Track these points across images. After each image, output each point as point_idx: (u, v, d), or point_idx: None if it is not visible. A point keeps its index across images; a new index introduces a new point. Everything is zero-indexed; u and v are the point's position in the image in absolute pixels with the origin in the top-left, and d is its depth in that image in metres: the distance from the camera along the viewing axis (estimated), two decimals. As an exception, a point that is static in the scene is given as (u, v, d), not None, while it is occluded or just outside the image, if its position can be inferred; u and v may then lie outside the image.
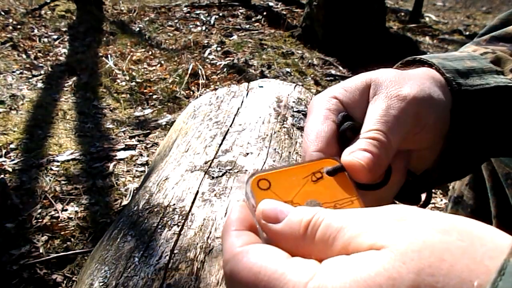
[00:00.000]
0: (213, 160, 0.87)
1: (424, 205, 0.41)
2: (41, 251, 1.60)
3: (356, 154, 0.34)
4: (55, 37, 4.39)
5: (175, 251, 0.62)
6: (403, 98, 0.35)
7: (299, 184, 0.34)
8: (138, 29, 4.79)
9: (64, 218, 1.79)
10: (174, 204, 0.74)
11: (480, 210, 0.72)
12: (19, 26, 4.51)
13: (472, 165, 0.44)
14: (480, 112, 0.40)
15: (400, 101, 0.35)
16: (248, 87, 1.30)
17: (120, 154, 2.39)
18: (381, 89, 0.37)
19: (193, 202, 0.73)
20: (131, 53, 3.95)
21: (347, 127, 0.36)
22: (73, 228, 1.74)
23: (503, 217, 0.67)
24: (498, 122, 0.41)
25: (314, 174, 0.34)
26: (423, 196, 0.44)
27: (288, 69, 3.79)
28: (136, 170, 2.24)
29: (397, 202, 0.41)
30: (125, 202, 1.94)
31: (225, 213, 0.71)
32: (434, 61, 0.40)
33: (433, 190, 0.46)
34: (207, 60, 3.88)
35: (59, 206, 1.87)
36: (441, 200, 2.08)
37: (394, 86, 0.36)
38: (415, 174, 0.40)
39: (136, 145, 2.53)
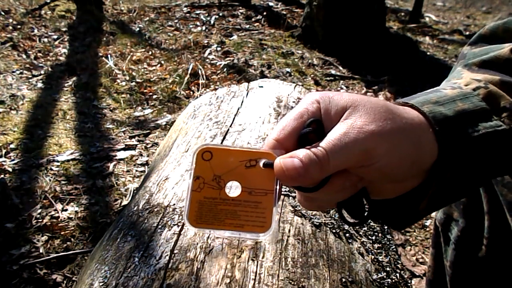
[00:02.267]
0: (213, 160, 0.87)
1: (360, 223, 0.44)
2: (41, 251, 1.60)
3: (285, 161, 0.38)
4: (55, 37, 4.39)
5: (175, 251, 0.62)
6: (363, 132, 0.37)
7: (233, 165, 0.40)
8: (138, 29, 4.79)
9: (64, 218, 1.79)
10: (174, 204, 0.74)
11: (472, 206, 0.73)
12: (19, 26, 4.51)
13: (462, 195, 0.45)
14: (469, 155, 0.41)
15: (358, 133, 0.37)
16: (248, 87, 1.30)
17: (120, 154, 2.39)
18: (352, 116, 0.38)
19: (193, 202, 0.73)
20: (131, 53, 3.95)
21: (306, 131, 0.39)
22: (73, 228, 1.74)
23: (495, 213, 0.68)
24: (488, 161, 0.42)
25: (250, 161, 0.40)
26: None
27: (288, 69, 3.79)
28: (136, 170, 2.24)
29: (343, 211, 0.44)
30: (125, 202, 1.94)
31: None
32: (425, 109, 0.41)
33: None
34: (207, 60, 3.88)
35: (59, 206, 1.87)
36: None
37: (364, 118, 0.38)
38: (369, 198, 0.42)
39: (136, 145, 2.53)
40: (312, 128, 0.39)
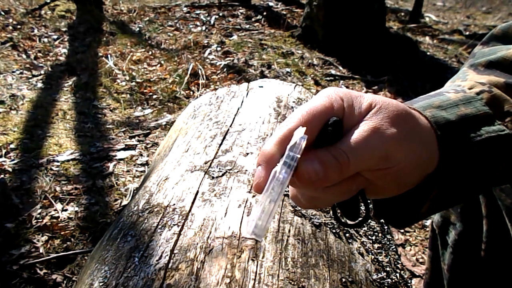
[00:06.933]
0: (213, 160, 0.87)
1: (358, 224, 0.43)
2: (41, 251, 1.60)
3: (306, 164, 0.36)
4: (55, 37, 4.39)
5: (175, 251, 0.62)
6: (384, 137, 0.36)
7: None
8: (138, 29, 4.79)
9: (64, 218, 1.79)
10: (174, 204, 0.74)
11: (470, 210, 0.73)
12: (19, 26, 4.50)
13: (464, 200, 0.45)
14: (471, 160, 0.41)
15: (380, 138, 0.36)
16: (248, 87, 1.30)
17: (120, 154, 2.39)
18: (374, 118, 0.38)
19: (193, 202, 0.73)
20: (131, 53, 3.95)
21: (329, 131, 0.37)
22: (73, 228, 1.74)
23: (493, 217, 0.68)
24: (490, 166, 0.42)
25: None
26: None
27: (288, 69, 3.79)
28: (136, 170, 2.24)
29: (337, 209, 0.44)
30: (125, 202, 1.94)
31: (225, 213, 0.71)
32: (427, 113, 0.41)
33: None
34: (207, 60, 3.88)
35: (59, 206, 1.87)
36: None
37: (387, 121, 0.37)
38: (366, 199, 0.42)
39: (136, 145, 2.53)
40: (332, 129, 0.38)
